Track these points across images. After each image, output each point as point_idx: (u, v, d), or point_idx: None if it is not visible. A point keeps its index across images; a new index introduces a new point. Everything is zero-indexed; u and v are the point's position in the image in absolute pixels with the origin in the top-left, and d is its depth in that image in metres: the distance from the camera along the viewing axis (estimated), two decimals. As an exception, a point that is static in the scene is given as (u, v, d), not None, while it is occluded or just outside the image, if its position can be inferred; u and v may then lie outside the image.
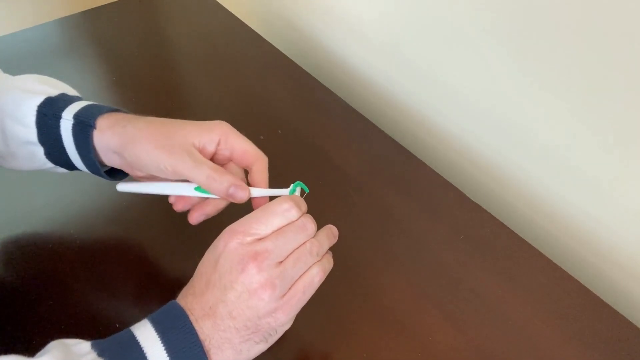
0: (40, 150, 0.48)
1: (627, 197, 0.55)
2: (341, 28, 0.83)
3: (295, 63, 0.81)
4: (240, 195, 0.43)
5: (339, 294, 0.52)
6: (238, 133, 0.46)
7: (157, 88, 0.77)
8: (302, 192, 0.45)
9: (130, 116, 0.47)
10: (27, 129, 0.47)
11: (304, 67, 0.80)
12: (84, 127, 0.46)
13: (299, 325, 0.50)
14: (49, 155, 0.48)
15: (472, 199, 0.62)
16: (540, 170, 0.63)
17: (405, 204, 0.61)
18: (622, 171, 0.54)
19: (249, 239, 0.38)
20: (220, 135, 0.45)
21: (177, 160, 0.43)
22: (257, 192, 0.45)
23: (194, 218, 0.47)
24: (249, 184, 0.45)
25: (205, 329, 0.37)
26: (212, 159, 0.46)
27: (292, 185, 0.45)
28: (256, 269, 0.37)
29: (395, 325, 0.50)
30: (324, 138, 0.69)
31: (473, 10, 0.60)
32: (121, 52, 0.83)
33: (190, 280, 0.40)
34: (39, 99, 0.47)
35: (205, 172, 0.43)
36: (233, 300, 0.38)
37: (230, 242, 0.38)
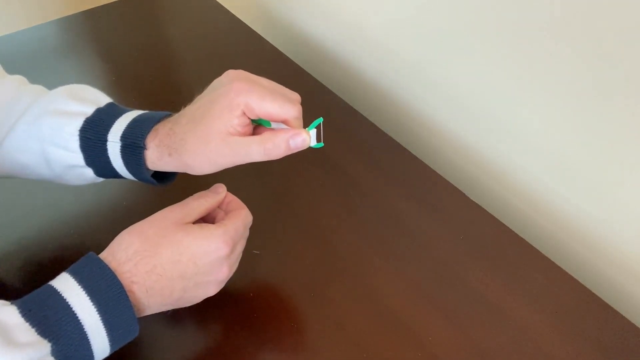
0: (89, 172, 0.48)
1: (627, 197, 0.55)
2: (341, 28, 0.83)
3: (295, 63, 0.81)
4: (301, 141, 0.43)
5: (339, 293, 0.52)
6: (259, 93, 0.43)
7: (157, 88, 0.77)
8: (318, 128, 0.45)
9: (170, 129, 0.45)
10: (73, 154, 0.47)
11: (304, 67, 0.80)
12: (134, 149, 0.45)
13: (299, 326, 0.50)
14: (100, 174, 0.49)
15: (472, 199, 0.62)
16: (540, 170, 0.63)
17: (406, 203, 0.61)
18: (623, 171, 0.54)
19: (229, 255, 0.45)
20: (242, 108, 0.43)
21: (231, 158, 0.43)
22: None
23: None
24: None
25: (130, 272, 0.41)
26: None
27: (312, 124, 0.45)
28: (226, 274, 0.45)
29: (395, 325, 0.50)
30: (324, 138, 0.69)
31: (474, 11, 0.61)
32: (121, 52, 0.83)
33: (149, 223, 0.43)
34: (79, 122, 0.46)
35: (259, 149, 0.43)
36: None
37: (222, 253, 0.43)
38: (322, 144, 0.44)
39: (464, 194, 0.62)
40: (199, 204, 0.45)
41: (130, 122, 0.47)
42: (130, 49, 0.83)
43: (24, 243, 0.56)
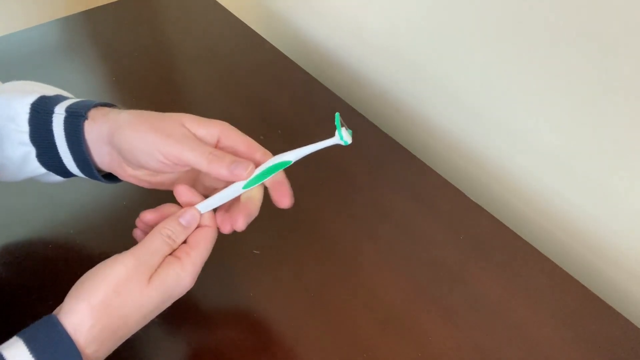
0: (32, 152, 0.46)
1: (628, 197, 0.55)
2: (341, 28, 0.83)
3: (295, 63, 0.81)
4: (241, 170, 0.41)
5: (338, 294, 0.52)
6: (240, 132, 0.44)
7: (157, 88, 0.77)
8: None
9: (117, 110, 0.45)
10: (20, 128, 0.46)
11: (304, 67, 0.80)
12: (75, 117, 0.44)
13: (298, 325, 0.50)
14: (41, 157, 0.47)
15: (472, 199, 0.62)
16: (540, 170, 0.63)
17: (406, 203, 0.61)
18: (623, 171, 0.54)
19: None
20: (221, 131, 0.43)
21: (174, 142, 0.40)
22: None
23: (241, 224, 0.43)
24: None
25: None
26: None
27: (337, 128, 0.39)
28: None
29: (395, 325, 0.50)
30: (324, 138, 0.69)
31: (475, 12, 0.60)
32: (121, 52, 0.83)
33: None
34: (33, 97, 0.46)
35: (207, 150, 0.40)
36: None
37: (188, 286, 0.41)
38: (347, 140, 0.40)
39: (464, 194, 0.62)
40: (168, 247, 0.41)
41: (83, 99, 0.46)
42: (130, 49, 0.83)
43: (23, 243, 0.56)
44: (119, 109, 0.46)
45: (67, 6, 1.07)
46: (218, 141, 0.43)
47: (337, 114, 0.38)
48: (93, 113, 0.45)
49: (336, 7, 0.81)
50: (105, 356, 0.39)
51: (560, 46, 0.53)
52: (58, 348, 0.36)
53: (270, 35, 0.89)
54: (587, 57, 0.52)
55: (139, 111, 0.44)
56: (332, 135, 0.40)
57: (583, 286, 0.54)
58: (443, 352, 0.48)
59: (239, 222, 0.42)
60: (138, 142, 0.41)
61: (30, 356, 0.35)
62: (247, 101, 0.74)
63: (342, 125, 0.38)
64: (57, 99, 0.46)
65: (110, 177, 0.48)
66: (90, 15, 0.90)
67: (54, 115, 0.45)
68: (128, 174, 0.45)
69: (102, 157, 0.45)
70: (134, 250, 0.40)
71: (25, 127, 0.45)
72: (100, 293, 0.38)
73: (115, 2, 0.93)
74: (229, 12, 0.92)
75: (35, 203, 0.59)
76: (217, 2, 0.94)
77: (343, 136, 0.39)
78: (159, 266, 0.40)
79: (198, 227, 0.43)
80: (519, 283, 0.54)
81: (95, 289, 0.38)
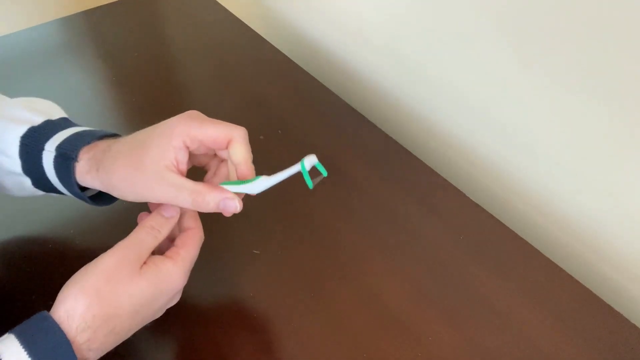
0: (27, 181, 0.47)
1: (628, 197, 0.55)
2: (341, 28, 0.83)
3: (295, 63, 0.81)
4: (231, 207, 0.42)
5: (339, 294, 0.52)
6: (200, 120, 0.42)
7: (157, 88, 0.77)
8: (316, 171, 0.41)
9: (108, 146, 0.44)
10: (12, 160, 0.46)
11: (304, 67, 0.80)
12: (64, 159, 0.44)
13: (299, 326, 0.50)
14: (37, 185, 0.47)
15: (472, 199, 0.62)
16: (540, 170, 0.62)
17: (406, 204, 0.61)
18: (623, 171, 0.54)
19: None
20: (183, 137, 0.42)
21: (159, 195, 0.41)
22: (272, 179, 0.43)
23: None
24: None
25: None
26: (196, 162, 0.46)
27: (302, 161, 0.41)
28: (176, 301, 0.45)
29: (395, 325, 0.50)
30: (324, 138, 0.69)
31: (476, 11, 0.60)
32: (121, 52, 0.83)
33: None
34: (23, 130, 0.46)
35: (187, 198, 0.41)
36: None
37: (178, 287, 0.43)
38: (312, 185, 0.41)
39: (464, 194, 0.62)
40: (152, 238, 0.42)
41: (72, 134, 0.46)
42: (130, 49, 0.83)
43: (23, 243, 0.56)
44: (107, 140, 0.45)
45: (67, 6, 1.07)
46: (187, 146, 0.43)
47: (302, 161, 0.41)
48: (83, 153, 0.44)
49: (336, 6, 0.81)
50: (99, 352, 0.39)
51: (561, 46, 0.53)
52: (48, 339, 0.36)
53: (270, 35, 0.89)
54: (588, 57, 0.52)
55: (124, 145, 0.43)
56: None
57: (583, 286, 0.54)
58: (443, 352, 0.48)
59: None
60: (124, 188, 0.42)
61: (21, 348, 0.36)
62: (247, 101, 0.74)
63: (312, 177, 0.41)
64: (47, 132, 0.46)
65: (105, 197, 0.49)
66: (90, 15, 0.90)
67: (44, 152, 0.45)
68: (125, 200, 0.45)
69: (95, 186, 0.45)
70: (119, 243, 0.41)
71: (17, 160, 0.46)
72: (92, 280, 0.39)
73: (115, 2, 0.93)
74: (229, 12, 0.92)
75: (35, 203, 0.59)
76: (217, 2, 0.94)
77: (312, 183, 0.41)
78: (149, 259, 0.41)
79: (185, 230, 0.44)
80: (518, 283, 0.54)
81: (87, 279, 0.39)
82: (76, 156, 0.44)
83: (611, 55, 0.50)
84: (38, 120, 0.47)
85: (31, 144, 0.45)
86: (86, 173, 0.44)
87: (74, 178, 0.44)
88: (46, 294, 0.51)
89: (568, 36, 0.52)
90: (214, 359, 0.47)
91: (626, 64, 0.49)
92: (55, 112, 0.49)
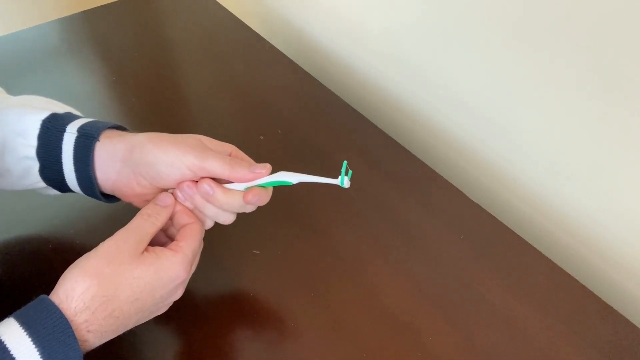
0: (35, 166, 0.47)
1: (628, 197, 0.55)
2: (341, 28, 0.83)
3: (295, 63, 0.81)
4: (260, 169, 0.45)
5: (338, 293, 0.52)
6: (245, 155, 0.47)
7: (157, 88, 0.77)
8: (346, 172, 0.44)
9: (127, 133, 0.47)
10: (27, 142, 0.47)
11: (304, 67, 0.80)
12: (86, 138, 0.46)
13: (299, 325, 0.50)
14: (43, 171, 0.48)
15: (472, 199, 0.62)
16: (540, 170, 0.63)
17: (406, 204, 0.61)
18: (623, 171, 0.54)
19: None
20: (232, 150, 0.47)
21: (197, 153, 0.43)
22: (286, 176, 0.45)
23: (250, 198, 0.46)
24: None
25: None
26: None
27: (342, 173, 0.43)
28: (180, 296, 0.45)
29: (395, 325, 0.50)
30: (324, 138, 0.69)
31: (476, 11, 0.61)
32: (121, 52, 0.83)
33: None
34: (45, 114, 0.47)
35: (227, 157, 0.44)
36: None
37: (180, 280, 0.43)
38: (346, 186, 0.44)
39: (464, 194, 0.62)
40: (151, 224, 0.43)
41: (93, 120, 0.48)
42: (130, 49, 0.83)
43: (23, 243, 0.56)
44: (130, 132, 0.48)
45: (67, 6, 1.07)
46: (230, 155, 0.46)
47: (344, 162, 0.43)
48: (105, 134, 0.46)
49: (336, 7, 0.81)
50: (98, 335, 0.39)
51: (563, 47, 0.53)
52: (47, 320, 0.37)
53: (270, 35, 0.89)
54: (590, 58, 0.52)
55: (155, 132, 0.46)
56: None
57: (583, 286, 0.54)
58: (443, 352, 0.48)
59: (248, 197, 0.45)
60: (161, 155, 0.44)
61: (21, 329, 0.36)
62: (247, 101, 0.74)
63: (346, 174, 0.43)
64: (69, 118, 0.48)
65: (107, 197, 0.49)
66: (90, 15, 0.90)
67: (66, 134, 0.46)
68: (134, 192, 0.46)
69: (108, 175, 0.46)
70: (118, 231, 0.42)
71: (33, 142, 0.46)
72: (93, 262, 0.40)
73: (115, 2, 0.93)
74: (229, 12, 0.92)
75: (35, 203, 0.59)
76: (217, 2, 0.94)
77: (344, 182, 0.43)
78: (150, 249, 0.42)
79: (182, 226, 0.46)
80: (518, 283, 0.54)
81: (87, 261, 0.40)
82: (98, 135, 0.45)
83: (611, 56, 0.50)
84: (60, 110, 0.48)
85: (52, 127, 0.46)
86: (107, 140, 0.46)
87: (92, 156, 0.46)
88: (46, 294, 0.51)
89: (568, 37, 0.52)
90: (214, 359, 0.47)
91: (626, 64, 0.49)
92: (75, 112, 0.51)
